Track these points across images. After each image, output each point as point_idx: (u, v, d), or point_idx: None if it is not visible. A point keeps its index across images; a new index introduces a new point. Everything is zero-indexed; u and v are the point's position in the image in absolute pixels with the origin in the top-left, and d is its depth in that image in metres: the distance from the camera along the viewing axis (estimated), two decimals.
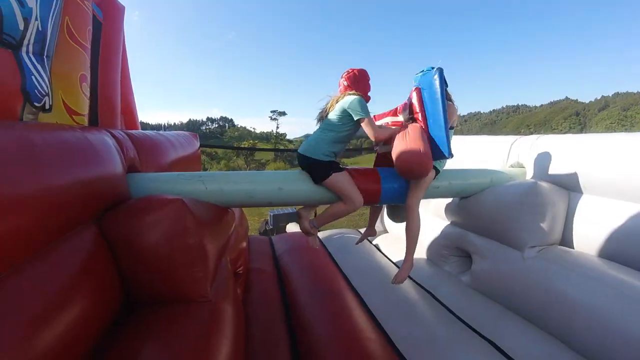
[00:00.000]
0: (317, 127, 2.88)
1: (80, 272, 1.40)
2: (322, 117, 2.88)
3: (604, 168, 2.92)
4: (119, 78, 3.52)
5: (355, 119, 2.69)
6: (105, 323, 1.53)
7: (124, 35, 3.78)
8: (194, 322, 1.68)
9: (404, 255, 3.02)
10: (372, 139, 2.79)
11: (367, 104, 2.77)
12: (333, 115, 2.77)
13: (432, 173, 2.92)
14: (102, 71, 3.12)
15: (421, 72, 2.92)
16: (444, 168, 3.19)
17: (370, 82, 2.96)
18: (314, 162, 2.75)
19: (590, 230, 2.96)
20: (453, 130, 3.00)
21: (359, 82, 2.87)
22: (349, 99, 2.71)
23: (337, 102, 2.79)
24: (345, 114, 2.73)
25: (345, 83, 2.86)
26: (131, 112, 4.17)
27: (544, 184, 3.11)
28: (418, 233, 2.98)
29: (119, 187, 2.01)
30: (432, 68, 2.79)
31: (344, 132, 2.79)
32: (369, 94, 2.93)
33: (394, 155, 2.72)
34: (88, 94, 2.25)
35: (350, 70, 2.89)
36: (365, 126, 2.72)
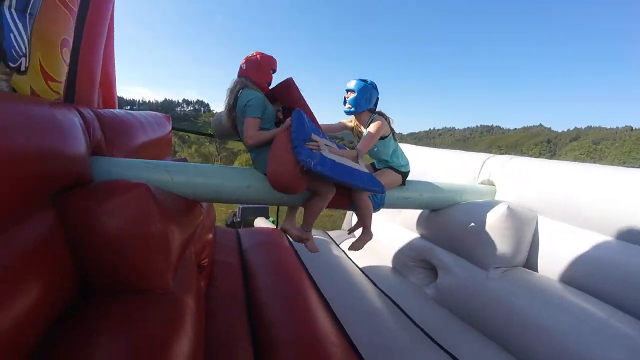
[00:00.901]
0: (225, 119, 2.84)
1: (33, 254, 1.30)
2: (229, 112, 2.79)
3: (574, 196, 3.02)
4: (103, 48, 3.38)
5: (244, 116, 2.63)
6: (57, 311, 1.43)
7: (114, 4, 3.64)
8: (153, 313, 1.59)
9: (362, 229, 3.15)
10: (245, 141, 2.68)
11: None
12: (240, 122, 2.73)
13: (398, 177, 3.10)
14: (85, 38, 2.98)
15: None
16: (416, 179, 3.31)
17: (273, 72, 2.86)
18: None
19: (555, 255, 3.06)
20: (389, 137, 3.07)
21: (258, 70, 2.78)
22: (245, 97, 2.64)
23: (235, 95, 2.73)
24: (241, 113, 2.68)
25: (244, 67, 2.77)
26: (110, 85, 4.00)
27: (515, 207, 3.16)
28: (371, 214, 3.02)
29: (82, 169, 1.89)
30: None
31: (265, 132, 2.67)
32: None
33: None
34: (68, 60, 2.12)
35: (252, 55, 2.80)
36: (246, 126, 2.63)
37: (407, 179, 3.24)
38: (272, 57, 2.82)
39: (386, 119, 3.09)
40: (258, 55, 2.76)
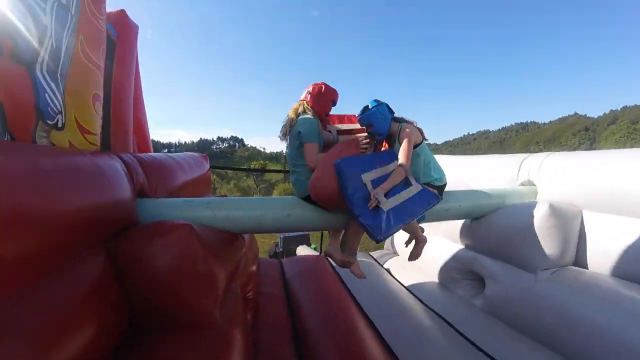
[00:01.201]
0: (284, 144, 2.89)
1: (87, 296, 1.37)
2: (285, 133, 2.87)
3: (616, 185, 2.89)
4: (132, 97, 3.51)
5: (298, 140, 2.71)
6: (111, 348, 1.49)
7: (137, 55, 3.78)
8: (202, 349, 1.64)
9: (414, 240, 3.18)
10: (307, 164, 2.72)
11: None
12: (291, 144, 2.80)
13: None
14: (115, 90, 3.12)
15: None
16: (452, 190, 3.23)
17: (332, 103, 2.95)
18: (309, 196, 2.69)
19: (604, 249, 2.93)
20: (423, 144, 2.96)
21: (319, 98, 2.87)
22: (302, 121, 2.72)
23: (296, 117, 2.79)
24: (296, 137, 2.73)
25: (307, 93, 2.89)
26: (143, 131, 4.16)
27: (557, 205, 3.06)
28: (415, 224, 3.05)
29: (128, 212, 1.99)
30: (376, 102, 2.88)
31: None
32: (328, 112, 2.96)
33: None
34: (101, 113, 2.23)
35: (317, 84, 2.90)
36: (306, 151, 2.70)
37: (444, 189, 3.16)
38: (335, 90, 2.91)
39: (412, 124, 2.98)
40: (323, 86, 2.87)
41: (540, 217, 3.01)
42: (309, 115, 2.75)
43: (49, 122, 1.70)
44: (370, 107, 2.87)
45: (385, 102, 2.91)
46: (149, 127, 4.45)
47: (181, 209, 2.42)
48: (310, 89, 2.87)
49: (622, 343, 2.30)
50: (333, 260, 2.97)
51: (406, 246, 3.30)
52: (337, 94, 2.92)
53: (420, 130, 2.95)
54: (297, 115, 2.78)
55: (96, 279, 1.47)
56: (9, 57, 1.50)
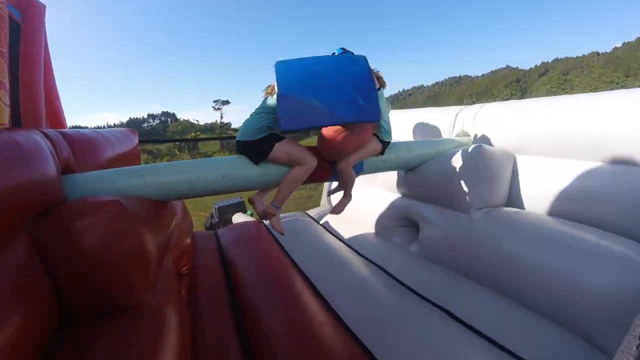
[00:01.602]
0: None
1: (12, 288, 1.34)
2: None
3: (547, 130, 3.05)
4: (42, 82, 3.36)
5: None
6: (43, 340, 1.47)
7: (46, 36, 3.61)
8: (136, 331, 1.64)
9: (343, 193, 3.33)
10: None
11: None
12: (271, 100, 2.77)
13: (378, 146, 3.09)
14: (23, 76, 2.98)
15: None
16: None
17: None
18: (250, 143, 2.73)
19: (538, 190, 3.10)
20: (382, 91, 3.05)
21: None
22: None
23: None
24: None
25: None
26: (58, 116, 3.98)
27: (489, 148, 3.21)
28: (354, 180, 3.16)
29: (53, 190, 1.91)
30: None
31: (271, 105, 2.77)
32: None
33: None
34: (8, 102, 2.14)
35: None
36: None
37: None
38: None
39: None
40: None
41: (472, 158, 3.16)
42: None
43: None
44: (336, 53, 2.94)
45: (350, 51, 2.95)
46: (67, 113, 4.28)
47: (110, 180, 2.37)
48: None
49: (556, 276, 2.47)
50: (255, 208, 3.03)
51: (328, 195, 3.42)
52: None
53: (378, 76, 3.01)
54: None
55: (20, 269, 1.43)
56: None
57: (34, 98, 3.11)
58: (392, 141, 3.33)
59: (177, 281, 2.48)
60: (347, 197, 3.35)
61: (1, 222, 1.40)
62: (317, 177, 3.06)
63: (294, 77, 2.66)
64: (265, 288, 2.94)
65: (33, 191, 1.69)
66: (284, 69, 2.67)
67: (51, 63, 3.93)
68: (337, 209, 3.41)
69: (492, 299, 2.77)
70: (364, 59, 2.71)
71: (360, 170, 3.15)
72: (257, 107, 2.89)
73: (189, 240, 3.64)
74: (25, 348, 1.33)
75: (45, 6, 3.53)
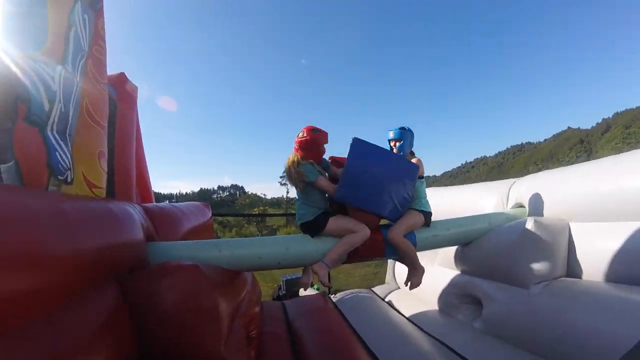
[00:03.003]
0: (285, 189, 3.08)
1: (102, 327, 1.51)
2: (292, 184, 3.11)
3: (599, 193, 2.99)
4: (134, 152, 3.69)
5: (307, 181, 2.95)
6: None
7: (137, 112, 3.98)
8: None
9: (412, 269, 3.33)
10: (331, 194, 3.01)
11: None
12: (299, 185, 3.03)
13: (420, 217, 3.19)
14: (118, 146, 3.30)
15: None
16: (442, 219, 3.44)
17: (324, 145, 3.16)
18: (307, 223, 2.97)
19: (595, 257, 2.97)
20: (423, 180, 3.35)
21: (309, 149, 3.09)
22: (303, 168, 2.97)
23: (291, 169, 3.02)
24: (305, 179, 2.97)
25: (297, 147, 3.11)
26: (145, 184, 4.34)
27: (540, 219, 3.16)
28: (413, 250, 3.18)
29: (140, 253, 2.16)
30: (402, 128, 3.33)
31: (312, 192, 3.03)
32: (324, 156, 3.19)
33: None
34: (106, 169, 2.39)
35: (305, 136, 3.09)
36: (320, 186, 2.99)
37: (435, 219, 3.37)
38: (321, 134, 3.14)
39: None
40: (308, 137, 3.08)
41: (525, 234, 3.11)
42: (306, 164, 3.00)
43: (59, 177, 1.88)
44: (406, 128, 3.34)
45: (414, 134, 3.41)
46: (150, 179, 4.63)
47: (188, 250, 2.62)
48: (298, 139, 3.10)
49: (616, 344, 2.31)
50: (314, 272, 3.06)
51: (405, 285, 3.43)
52: (324, 136, 3.14)
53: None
54: (295, 165, 3.01)
55: (109, 313, 1.61)
56: (23, 120, 1.69)
57: (126, 167, 3.43)
58: (444, 218, 3.49)
59: (247, 343, 2.57)
60: (417, 270, 3.36)
61: (95, 273, 1.62)
62: (370, 250, 3.15)
63: (363, 160, 2.96)
64: (329, 357, 2.97)
65: (122, 251, 1.93)
66: (359, 148, 2.97)
67: (141, 137, 4.30)
68: (414, 283, 3.40)
69: None
70: (415, 170, 3.05)
71: (413, 243, 3.20)
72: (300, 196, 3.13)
73: (257, 309, 3.74)
74: None
75: (137, 87, 3.94)
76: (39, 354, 1.15)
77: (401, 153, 3.31)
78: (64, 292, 1.37)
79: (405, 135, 3.32)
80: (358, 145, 2.98)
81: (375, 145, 3.01)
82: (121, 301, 1.75)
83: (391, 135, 3.36)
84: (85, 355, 1.34)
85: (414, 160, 3.21)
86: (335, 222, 2.96)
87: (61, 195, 1.77)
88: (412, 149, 3.44)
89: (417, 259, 3.27)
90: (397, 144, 3.33)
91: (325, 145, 3.17)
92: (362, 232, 2.97)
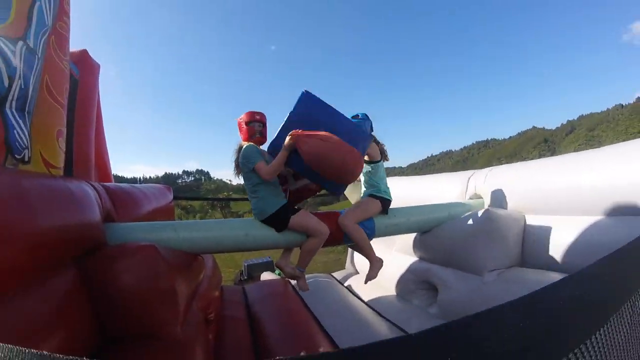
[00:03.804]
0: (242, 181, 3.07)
1: (59, 309, 1.51)
2: (237, 172, 3.15)
3: (554, 188, 3.13)
4: (94, 133, 3.65)
5: (247, 170, 2.94)
6: (80, 356, 1.60)
7: (99, 92, 3.93)
8: (164, 359, 1.80)
9: (368, 261, 3.37)
10: (266, 179, 2.90)
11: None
12: (246, 176, 3.01)
13: (376, 204, 3.28)
14: (77, 126, 3.26)
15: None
16: (403, 206, 3.54)
17: (251, 123, 3.10)
18: (269, 218, 2.92)
19: (547, 248, 3.10)
20: (381, 163, 3.42)
21: (241, 131, 3.12)
22: (243, 154, 2.96)
23: (239, 158, 3.04)
24: (244, 168, 2.97)
25: (239, 131, 3.14)
26: (104, 165, 4.29)
27: (496, 210, 3.29)
28: (366, 238, 3.23)
29: (97, 234, 2.13)
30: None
31: (258, 180, 2.95)
32: (258, 133, 3.12)
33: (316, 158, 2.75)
34: (64, 148, 2.36)
35: (238, 119, 3.13)
36: (258, 171, 2.89)
37: (392, 206, 3.44)
38: (248, 113, 3.11)
39: (378, 144, 3.43)
40: (238, 121, 3.12)
41: (482, 224, 3.25)
42: (245, 145, 3.01)
43: (16, 156, 1.85)
44: (360, 115, 3.35)
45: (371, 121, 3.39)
46: (111, 162, 4.58)
47: (146, 232, 2.60)
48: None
49: None
50: (283, 272, 3.24)
51: (365, 283, 3.50)
52: (248, 115, 3.11)
53: (382, 150, 3.43)
54: (239, 151, 3.05)
55: (66, 294, 1.60)
56: None
57: (85, 148, 3.39)
58: (405, 206, 3.58)
59: (205, 326, 2.60)
60: (372, 262, 3.42)
61: (53, 253, 1.61)
62: (331, 241, 3.19)
63: (309, 112, 2.90)
64: (288, 341, 3.03)
65: (80, 231, 1.91)
66: (307, 100, 2.93)
67: (102, 117, 4.25)
68: (370, 276, 3.45)
69: None
70: (367, 138, 3.08)
71: (372, 233, 3.28)
72: (245, 183, 3.06)
73: (217, 293, 3.78)
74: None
75: (99, 65, 3.90)
76: None
77: None
78: (20, 272, 1.36)
79: (360, 123, 3.34)
80: (307, 97, 2.90)
81: (327, 103, 2.95)
82: (78, 282, 1.74)
83: None
84: (41, 336, 1.34)
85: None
86: (297, 221, 2.95)
87: (20, 172, 1.74)
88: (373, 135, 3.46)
89: (370, 249, 3.33)
90: None
91: (260, 126, 3.13)
92: (322, 236, 3.01)
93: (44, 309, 1.41)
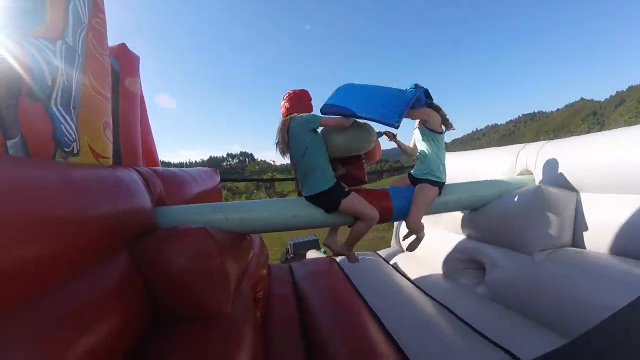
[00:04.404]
0: (288, 160, 3.07)
1: (113, 292, 1.59)
2: (283, 149, 3.02)
3: (609, 165, 2.95)
4: (139, 122, 3.76)
5: (315, 127, 2.91)
6: (136, 337, 1.70)
7: (140, 82, 4.02)
8: (215, 337, 1.86)
9: (413, 235, 3.35)
10: (341, 125, 2.93)
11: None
12: (299, 145, 2.92)
13: (435, 190, 3.16)
14: (122, 117, 3.36)
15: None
16: (453, 182, 3.42)
17: (311, 102, 3.11)
18: (319, 195, 2.87)
19: (601, 228, 2.97)
20: (442, 134, 3.29)
21: (300, 103, 3.04)
22: (300, 120, 2.90)
23: (287, 130, 2.95)
24: (305, 134, 2.89)
25: (287, 105, 3.03)
26: (151, 153, 4.42)
27: (549, 188, 3.17)
28: (424, 232, 3.22)
29: (148, 218, 2.23)
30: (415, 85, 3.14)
31: (318, 151, 2.90)
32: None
33: None
34: (111, 139, 2.45)
35: (291, 92, 3.06)
36: (327, 124, 2.94)
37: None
38: (307, 90, 3.12)
39: (438, 111, 3.29)
40: (298, 92, 3.08)
41: (532, 202, 3.13)
42: (302, 114, 2.97)
43: (65, 149, 1.94)
44: (418, 85, 3.15)
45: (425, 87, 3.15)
46: (157, 150, 4.71)
47: (195, 214, 2.68)
48: (286, 101, 3.06)
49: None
50: (331, 249, 3.23)
51: (403, 240, 3.48)
52: (309, 93, 3.14)
53: (444, 119, 3.29)
54: (287, 127, 2.95)
55: (120, 277, 1.68)
56: (27, 96, 1.75)
57: (132, 137, 3.50)
58: (455, 182, 3.46)
59: (253, 304, 2.68)
60: (418, 238, 3.42)
61: (106, 239, 1.70)
62: (379, 221, 3.13)
63: (345, 94, 2.99)
64: (334, 318, 3.09)
65: (131, 218, 2.01)
66: (344, 91, 3.02)
67: (145, 106, 4.36)
68: (411, 247, 3.49)
69: (556, 341, 2.60)
70: (411, 92, 2.92)
71: None
72: (298, 160, 2.99)
73: (265, 271, 3.87)
74: (121, 339, 1.56)
75: (139, 57, 3.98)
76: (51, 319, 1.21)
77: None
78: (75, 259, 1.44)
79: (415, 91, 3.11)
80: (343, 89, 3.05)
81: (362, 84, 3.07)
82: (132, 266, 1.83)
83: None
84: (96, 320, 1.41)
85: (423, 109, 3.19)
86: (348, 205, 2.89)
87: (68, 163, 1.84)
88: (431, 102, 3.30)
89: (419, 225, 3.22)
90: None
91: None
92: (371, 221, 2.98)
93: (99, 293, 1.49)
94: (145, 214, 2.18)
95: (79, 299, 1.37)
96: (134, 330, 1.70)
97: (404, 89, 3.06)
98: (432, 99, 3.20)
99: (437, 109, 3.27)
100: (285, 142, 2.96)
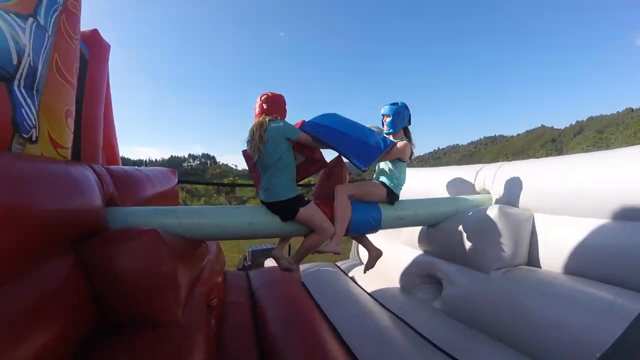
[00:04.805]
0: (258, 161, 2.95)
1: (55, 294, 1.48)
2: (258, 148, 2.88)
3: (563, 188, 3.07)
4: (102, 114, 3.64)
5: (293, 139, 2.89)
6: (78, 342, 1.59)
7: (109, 73, 3.91)
8: (165, 345, 1.77)
9: (368, 253, 3.46)
10: (311, 147, 3.04)
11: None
12: (274, 150, 2.84)
13: (382, 190, 3.23)
14: (86, 106, 3.25)
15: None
16: (412, 198, 3.53)
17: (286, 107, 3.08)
18: (279, 203, 2.84)
19: (556, 248, 3.07)
20: (405, 163, 3.35)
21: (279, 107, 3.00)
22: (282, 127, 2.84)
23: (264, 132, 2.84)
24: (283, 142, 2.84)
25: (265, 106, 2.95)
26: (112, 147, 4.28)
27: (506, 208, 3.25)
28: (344, 216, 3.05)
29: (98, 218, 2.11)
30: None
31: (291, 160, 2.92)
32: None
33: None
34: (72, 128, 2.34)
35: (270, 94, 2.99)
36: (300, 142, 2.94)
37: (402, 198, 3.38)
38: (282, 96, 3.06)
39: (410, 140, 3.39)
40: (276, 95, 3.01)
41: (490, 220, 3.19)
42: (283, 121, 2.91)
43: (24, 135, 1.82)
44: (399, 104, 3.33)
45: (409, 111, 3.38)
46: (118, 143, 4.57)
47: (148, 217, 2.56)
48: (262, 103, 2.96)
49: (573, 335, 2.42)
50: (278, 263, 3.23)
51: (365, 272, 3.54)
52: (284, 98, 3.08)
53: (411, 152, 3.37)
54: (265, 128, 2.85)
55: (64, 278, 1.58)
56: None
57: (94, 128, 3.38)
58: (413, 198, 3.57)
59: (207, 311, 2.60)
60: (373, 251, 3.48)
61: (49, 238, 1.59)
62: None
63: (329, 122, 2.98)
64: (290, 327, 3.02)
65: (79, 217, 1.89)
66: (327, 119, 3.01)
67: (111, 98, 4.24)
68: (369, 266, 3.53)
69: (510, 356, 2.74)
70: (387, 144, 3.01)
71: (378, 225, 3.22)
72: (271, 163, 2.89)
73: (220, 278, 3.79)
74: (62, 347, 1.45)
75: (110, 45, 3.87)
76: None
77: (391, 130, 3.35)
78: (13, 258, 1.33)
79: (396, 111, 3.32)
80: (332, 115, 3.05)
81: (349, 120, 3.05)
82: (78, 267, 1.71)
83: (382, 110, 3.39)
84: (36, 321, 1.32)
85: (399, 144, 3.23)
86: (305, 214, 2.86)
87: (17, 154, 1.71)
88: (408, 126, 3.47)
89: (342, 223, 3.04)
90: (387, 119, 3.35)
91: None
92: (326, 235, 2.95)
93: (40, 294, 1.39)
94: (95, 214, 2.07)
95: (14, 302, 1.26)
96: (77, 336, 1.59)
97: (384, 107, 3.35)
98: (410, 123, 3.42)
99: (409, 138, 3.41)
100: (264, 142, 2.86)
